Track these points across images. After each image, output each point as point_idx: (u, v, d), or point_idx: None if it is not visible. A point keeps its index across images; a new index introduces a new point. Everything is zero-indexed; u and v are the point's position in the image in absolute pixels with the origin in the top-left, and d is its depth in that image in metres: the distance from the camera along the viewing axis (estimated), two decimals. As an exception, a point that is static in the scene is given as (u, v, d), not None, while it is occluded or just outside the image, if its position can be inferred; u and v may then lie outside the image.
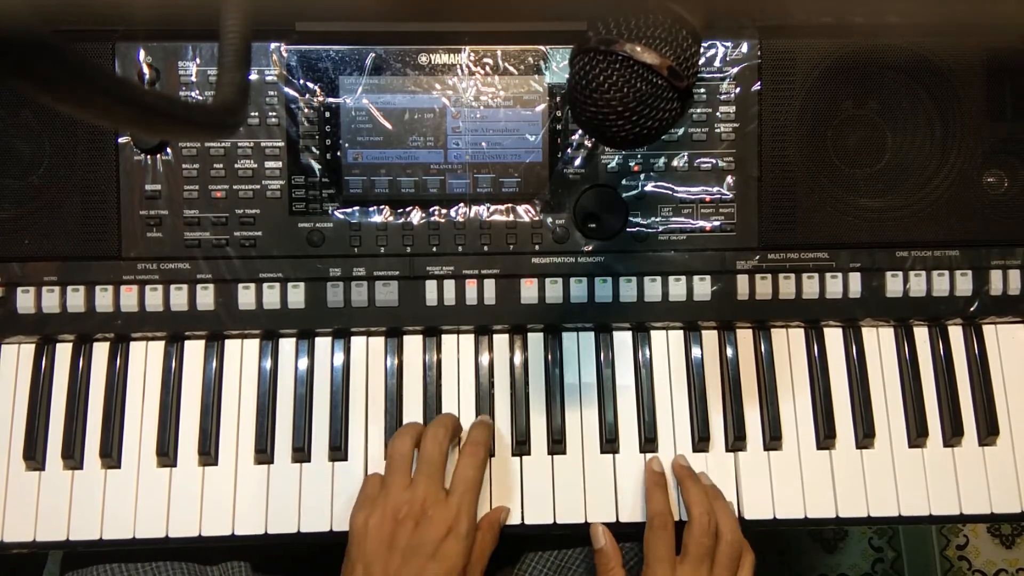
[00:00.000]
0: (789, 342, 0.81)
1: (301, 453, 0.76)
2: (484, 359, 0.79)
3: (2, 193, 0.74)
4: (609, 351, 0.79)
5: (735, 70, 0.77)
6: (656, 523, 0.71)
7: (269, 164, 0.76)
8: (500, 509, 0.75)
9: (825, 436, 0.78)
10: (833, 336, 0.81)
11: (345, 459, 0.76)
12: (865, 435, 0.78)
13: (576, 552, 0.81)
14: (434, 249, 0.77)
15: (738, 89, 0.77)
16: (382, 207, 0.77)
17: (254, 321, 0.77)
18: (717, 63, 0.77)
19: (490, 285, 0.77)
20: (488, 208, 0.77)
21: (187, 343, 0.78)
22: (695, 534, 0.70)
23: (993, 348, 0.81)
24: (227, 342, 0.78)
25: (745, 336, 0.80)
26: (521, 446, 0.77)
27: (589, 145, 0.77)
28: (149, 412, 0.77)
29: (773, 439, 0.77)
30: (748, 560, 0.72)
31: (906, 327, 0.81)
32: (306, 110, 0.76)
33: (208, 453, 0.75)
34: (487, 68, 0.76)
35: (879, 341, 0.81)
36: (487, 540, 0.72)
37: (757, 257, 0.78)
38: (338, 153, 0.76)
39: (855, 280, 0.79)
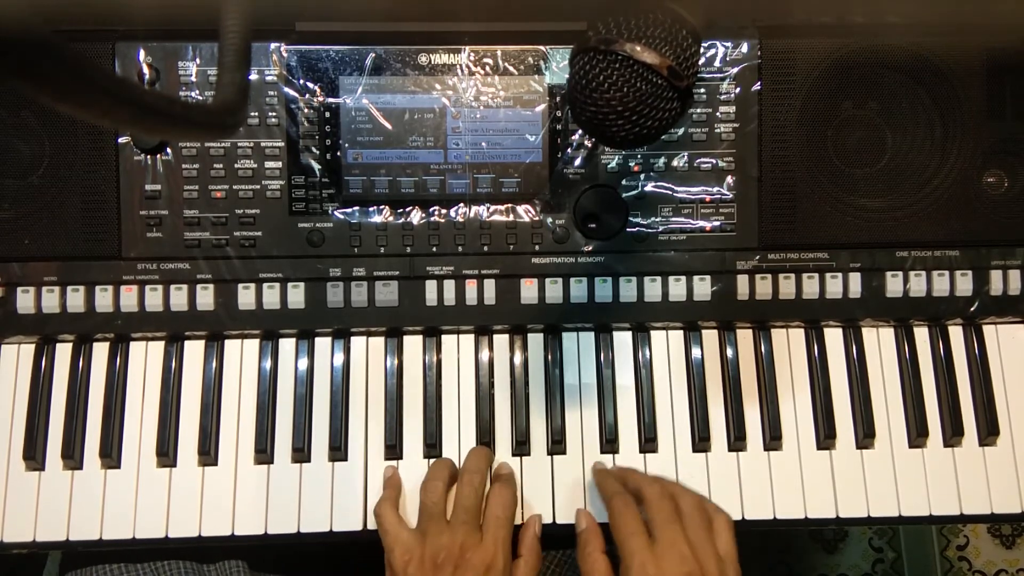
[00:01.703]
0: (789, 342, 0.81)
1: (301, 453, 0.76)
2: (484, 359, 0.79)
3: (2, 193, 0.74)
4: (609, 351, 0.79)
5: (735, 70, 0.77)
6: (615, 503, 0.70)
7: (269, 164, 0.76)
8: (531, 523, 0.74)
9: (825, 436, 0.78)
10: (833, 336, 0.81)
11: (345, 459, 0.76)
12: (865, 435, 0.78)
13: (570, 553, 0.81)
14: (434, 249, 0.77)
15: (738, 89, 0.77)
16: (382, 207, 0.77)
17: (254, 321, 0.77)
18: (717, 63, 0.77)
19: (490, 285, 0.77)
20: (488, 208, 0.77)
21: (187, 343, 0.78)
22: (653, 503, 0.69)
23: (993, 348, 0.81)
24: (227, 342, 0.78)
25: (745, 336, 0.80)
26: (521, 446, 0.77)
27: (589, 145, 0.77)
28: (149, 412, 0.77)
29: (773, 439, 0.77)
30: (721, 520, 0.69)
31: (906, 327, 0.81)
32: (306, 110, 0.76)
33: (208, 453, 0.75)
34: (487, 68, 0.76)
35: (879, 341, 0.81)
36: (532, 563, 0.71)
37: (757, 257, 0.78)
38: (338, 153, 0.76)
39: (855, 280, 0.79)
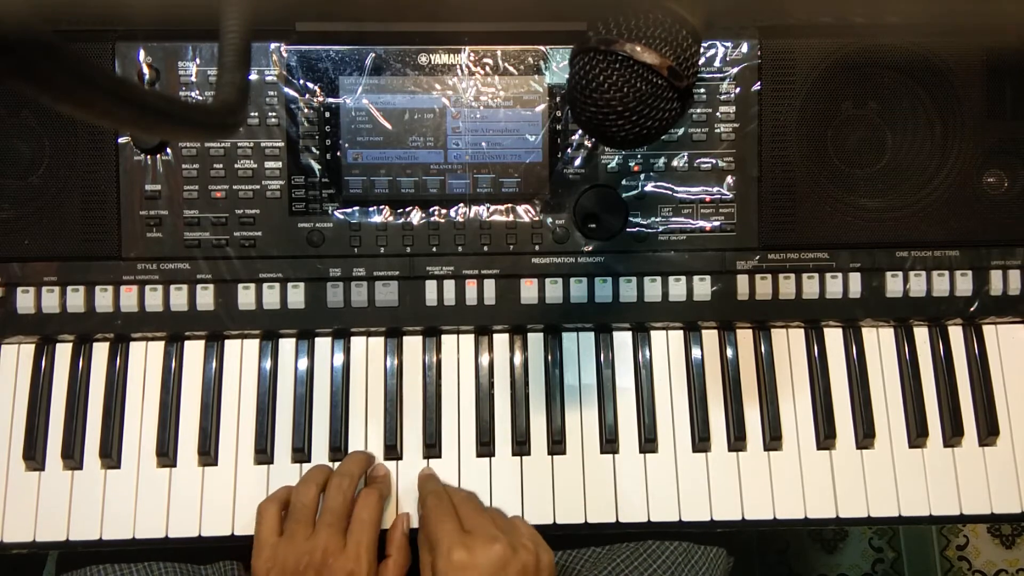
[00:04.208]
0: (789, 342, 0.81)
1: (301, 453, 0.76)
2: (484, 359, 0.79)
3: (2, 193, 0.74)
4: (609, 351, 0.79)
5: (735, 70, 0.77)
6: (428, 499, 0.71)
7: (269, 164, 0.76)
8: (399, 522, 0.73)
9: (825, 436, 0.78)
10: (833, 336, 0.81)
11: (345, 459, 0.76)
12: (865, 435, 0.78)
13: (581, 553, 0.81)
14: (434, 249, 0.77)
15: (738, 89, 0.77)
16: (382, 207, 0.77)
17: (254, 321, 0.77)
18: (717, 63, 0.77)
19: (490, 285, 0.77)
20: (488, 208, 0.77)
21: (187, 343, 0.78)
22: (458, 500, 0.71)
23: (993, 348, 0.81)
24: (227, 342, 0.78)
25: (745, 336, 0.80)
26: (521, 446, 0.77)
27: (589, 145, 0.77)
28: (149, 412, 0.77)
29: (773, 439, 0.77)
30: (518, 518, 0.73)
31: (906, 327, 0.81)
32: (306, 110, 0.76)
33: (208, 453, 0.75)
34: (487, 68, 0.76)
35: (879, 341, 0.81)
36: (400, 562, 0.71)
37: (757, 257, 0.78)
38: (338, 153, 0.76)
39: (855, 280, 0.79)
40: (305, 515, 0.69)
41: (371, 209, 0.77)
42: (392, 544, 0.72)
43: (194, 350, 0.78)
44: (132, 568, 0.76)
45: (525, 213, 0.77)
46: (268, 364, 0.78)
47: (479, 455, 0.77)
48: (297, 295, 0.77)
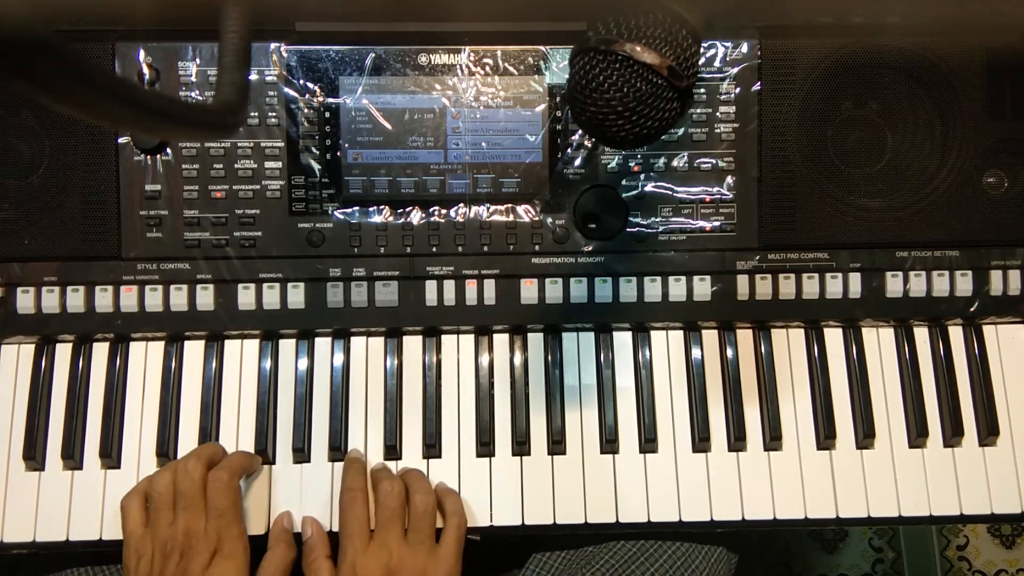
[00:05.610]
0: (789, 342, 0.81)
1: (301, 453, 0.76)
2: (484, 359, 0.79)
3: (2, 193, 0.74)
4: (609, 351, 0.79)
5: (735, 70, 0.77)
6: (345, 500, 0.72)
7: (269, 164, 0.76)
8: (281, 518, 0.74)
9: (825, 436, 0.78)
10: (833, 336, 0.81)
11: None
12: (865, 435, 0.78)
13: (583, 552, 0.80)
14: (434, 249, 0.77)
15: (738, 89, 0.77)
16: (382, 207, 0.77)
17: (254, 321, 0.77)
18: (717, 63, 0.77)
19: (490, 285, 0.77)
20: (488, 208, 0.77)
21: (187, 343, 0.78)
22: (381, 499, 0.71)
23: (993, 348, 0.81)
24: (227, 342, 0.78)
25: (745, 336, 0.80)
26: (521, 446, 0.77)
27: (589, 145, 0.77)
28: (149, 412, 0.77)
29: (773, 439, 0.77)
30: (452, 523, 0.72)
31: (906, 327, 0.81)
32: (306, 110, 0.76)
33: (208, 453, 0.75)
34: (487, 68, 0.76)
35: (879, 341, 0.81)
36: (279, 553, 0.71)
37: (757, 257, 0.78)
38: (338, 153, 0.76)
39: (855, 280, 0.79)
40: (163, 502, 0.69)
41: (371, 209, 0.77)
42: (272, 537, 0.72)
43: (194, 350, 0.78)
44: (104, 570, 0.77)
45: (525, 213, 0.77)
46: (268, 364, 0.78)
47: (479, 455, 0.77)
48: (297, 295, 0.77)
